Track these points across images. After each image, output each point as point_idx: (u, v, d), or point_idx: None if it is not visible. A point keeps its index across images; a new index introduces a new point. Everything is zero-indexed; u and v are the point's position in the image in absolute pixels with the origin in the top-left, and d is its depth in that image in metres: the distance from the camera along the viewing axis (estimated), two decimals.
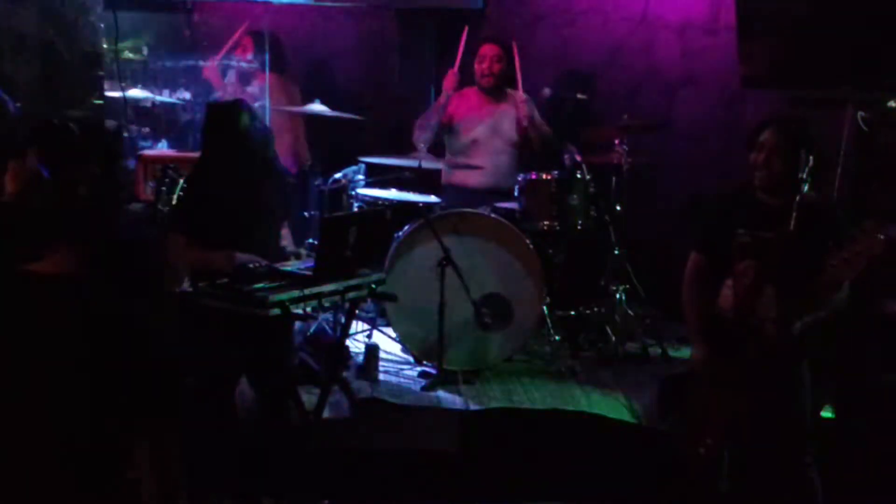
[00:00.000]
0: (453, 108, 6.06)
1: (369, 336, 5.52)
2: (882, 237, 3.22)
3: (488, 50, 6.01)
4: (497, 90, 6.07)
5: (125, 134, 6.04)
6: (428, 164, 5.52)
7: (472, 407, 4.82)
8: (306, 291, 3.99)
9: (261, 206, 4.35)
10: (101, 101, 5.97)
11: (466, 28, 5.99)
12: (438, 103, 6.04)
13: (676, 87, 6.71)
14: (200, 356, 3.93)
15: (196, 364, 3.90)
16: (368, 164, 5.81)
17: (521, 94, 6.00)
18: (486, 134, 6.01)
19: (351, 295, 4.27)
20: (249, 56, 6.47)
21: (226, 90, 6.52)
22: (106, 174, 2.18)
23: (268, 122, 6.26)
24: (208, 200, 4.29)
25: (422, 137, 5.84)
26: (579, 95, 6.42)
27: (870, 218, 3.41)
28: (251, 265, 4.13)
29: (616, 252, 5.81)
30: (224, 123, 4.29)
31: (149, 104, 6.48)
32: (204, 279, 3.99)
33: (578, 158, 5.62)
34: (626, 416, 4.81)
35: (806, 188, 3.61)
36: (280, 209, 4.57)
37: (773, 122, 3.79)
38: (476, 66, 6.03)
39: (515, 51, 6.01)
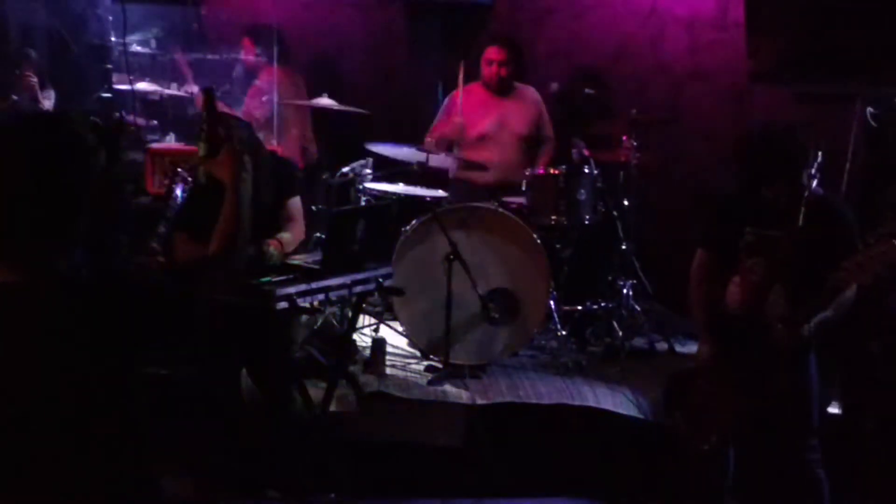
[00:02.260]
0: (462, 107, 6.06)
1: (376, 330, 5.52)
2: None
3: (495, 54, 5.98)
4: (505, 88, 6.07)
5: (132, 128, 6.06)
6: (436, 160, 5.53)
7: (479, 401, 4.82)
8: (314, 285, 4.00)
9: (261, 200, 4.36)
10: (109, 94, 5.99)
11: (462, 66, 5.90)
12: (446, 130, 6.00)
13: (684, 82, 6.70)
14: (204, 349, 3.94)
15: (200, 357, 3.91)
16: (376, 158, 5.81)
17: (533, 91, 6.01)
18: (493, 129, 6.00)
19: (358, 289, 4.28)
20: (255, 53, 6.48)
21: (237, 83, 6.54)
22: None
23: (275, 116, 6.28)
24: (209, 197, 4.29)
25: (433, 151, 5.76)
26: (587, 90, 6.42)
27: (885, 223, 3.39)
28: None
29: (623, 247, 5.80)
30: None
31: (157, 97, 6.49)
32: None
33: (586, 153, 5.62)
34: (632, 412, 4.81)
35: (815, 184, 3.59)
36: (273, 198, 4.58)
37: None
38: (484, 67, 6.02)
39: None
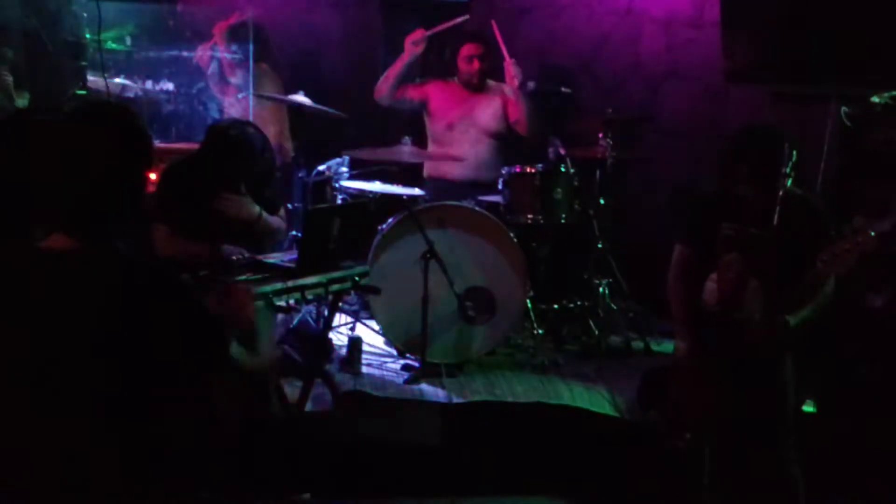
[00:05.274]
0: (432, 92, 6.07)
1: (352, 329, 5.50)
2: (873, 234, 3.22)
3: (474, 49, 5.97)
4: (482, 83, 6.06)
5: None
6: (411, 157, 5.54)
7: (455, 400, 4.81)
8: (289, 283, 3.98)
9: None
10: (83, 92, 5.93)
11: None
12: (403, 59, 6.00)
13: (661, 81, 6.72)
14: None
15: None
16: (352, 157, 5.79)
17: (506, 86, 5.99)
18: (462, 120, 5.99)
19: (334, 287, 4.26)
20: (232, 48, 6.44)
21: (212, 80, 6.51)
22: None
23: (251, 114, 6.25)
24: (195, 193, 4.29)
25: (384, 91, 5.90)
26: (563, 89, 6.42)
27: (859, 215, 3.41)
28: (234, 256, 4.12)
29: (599, 246, 5.80)
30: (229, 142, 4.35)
31: (132, 94, 6.44)
32: (186, 270, 3.97)
33: (562, 152, 5.62)
34: (608, 410, 4.82)
35: (789, 182, 3.61)
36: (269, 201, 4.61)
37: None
38: (461, 65, 6.00)
39: (496, 27, 5.98)
